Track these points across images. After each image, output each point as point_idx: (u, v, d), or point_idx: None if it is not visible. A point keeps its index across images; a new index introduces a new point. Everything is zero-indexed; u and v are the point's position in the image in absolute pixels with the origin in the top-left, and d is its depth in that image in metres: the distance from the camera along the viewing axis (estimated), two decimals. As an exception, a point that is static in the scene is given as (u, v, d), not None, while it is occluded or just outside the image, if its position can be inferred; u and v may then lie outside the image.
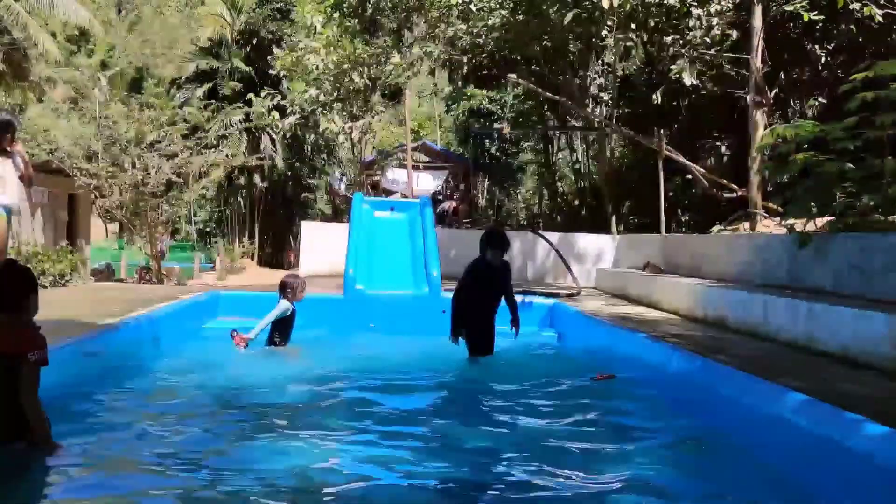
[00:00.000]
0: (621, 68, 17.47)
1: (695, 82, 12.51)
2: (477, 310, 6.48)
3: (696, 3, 12.12)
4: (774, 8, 11.66)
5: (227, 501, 3.02)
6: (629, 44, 13.40)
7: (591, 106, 18.77)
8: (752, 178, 11.49)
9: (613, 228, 15.92)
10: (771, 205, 11.29)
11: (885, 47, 12.34)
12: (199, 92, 27.00)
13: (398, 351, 6.75)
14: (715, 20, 12.07)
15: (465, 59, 15.73)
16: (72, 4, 20.78)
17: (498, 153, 29.77)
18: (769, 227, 10.36)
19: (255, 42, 27.89)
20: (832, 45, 14.13)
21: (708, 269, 9.20)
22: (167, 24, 37.46)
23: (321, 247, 13.61)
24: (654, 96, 14.51)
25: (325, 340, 7.14)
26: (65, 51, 28.80)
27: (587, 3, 12.52)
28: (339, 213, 27.19)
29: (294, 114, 21.09)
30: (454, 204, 24.69)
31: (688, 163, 14.45)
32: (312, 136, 26.06)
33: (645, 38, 13.76)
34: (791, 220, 7.63)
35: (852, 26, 12.62)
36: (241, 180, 27.29)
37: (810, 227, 7.21)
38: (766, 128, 11.31)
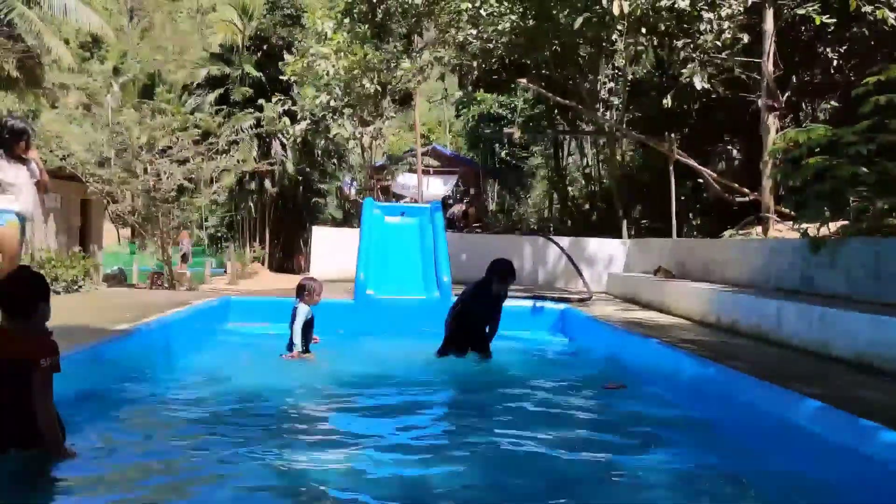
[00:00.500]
0: (632, 72, 17.44)
1: (706, 86, 12.45)
2: (469, 331, 6.70)
3: (706, 7, 12.07)
4: (786, 11, 11.60)
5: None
6: (639, 48, 13.38)
7: (601, 110, 18.73)
8: (765, 183, 11.43)
9: (624, 233, 15.87)
10: (783, 209, 11.22)
11: (898, 50, 12.27)
12: (211, 98, 27.12)
13: (408, 356, 6.75)
14: (726, 24, 12.01)
15: (475, 64, 15.75)
16: (84, 11, 20.97)
17: (508, 157, 29.77)
18: (782, 231, 10.30)
19: (265, 48, 28.03)
20: (844, 48, 14.05)
21: (720, 273, 9.16)
22: (179, 31, 37.71)
23: (332, 252, 13.64)
24: (664, 100, 14.46)
25: (335, 346, 7.14)
26: (78, 57, 29.02)
27: (597, 7, 12.50)
28: (349, 217, 27.23)
29: (305, 119, 21.15)
30: (463, 207, 24.71)
31: (699, 167, 14.39)
32: (323, 141, 26.10)
33: (655, 42, 13.75)
34: (804, 225, 7.58)
35: (864, 29, 12.55)
36: (252, 185, 27.39)
37: (823, 231, 7.17)
38: (778, 131, 11.26)
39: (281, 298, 9.25)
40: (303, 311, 6.52)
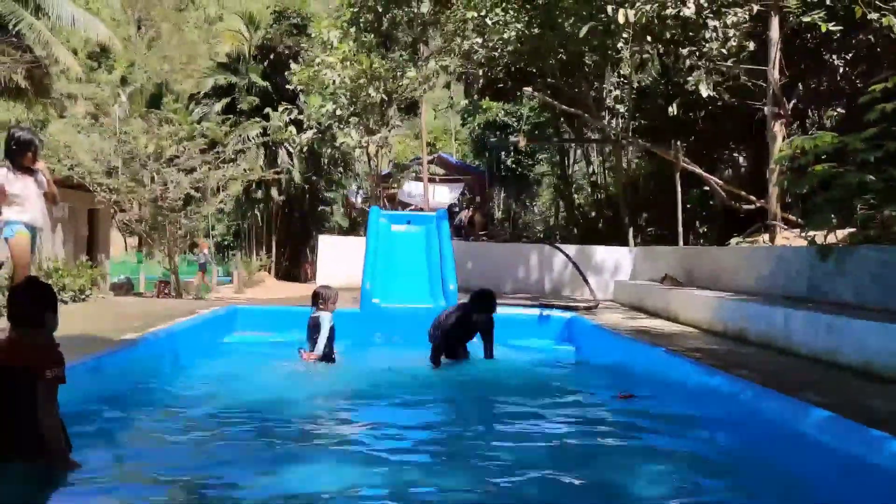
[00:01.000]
0: (637, 80, 17.45)
1: (711, 94, 12.45)
2: (452, 344, 6.95)
3: (712, 15, 12.07)
4: (791, 19, 11.60)
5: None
6: (645, 56, 13.38)
7: (607, 118, 18.74)
8: (771, 190, 11.40)
9: (631, 240, 15.85)
10: (790, 216, 11.19)
11: (904, 57, 12.24)
12: (218, 107, 27.26)
13: (415, 365, 6.74)
14: (731, 31, 12.01)
15: (480, 73, 15.79)
16: (93, 22, 21.13)
17: (514, 165, 29.79)
18: (789, 239, 10.27)
19: (272, 57, 28.16)
20: (850, 55, 14.03)
21: (727, 281, 9.13)
22: (186, 41, 37.90)
23: (338, 260, 13.66)
24: (670, 108, 14.48)
25: (341, 355, 7.13)
26: (86, 67, 29.23)
27: (603, 16, 12.51)
28: (355, 226, 27.30)
29: (311, 128, 21.22)
30: (469, 212, 24.72)
31: (705, 174, 14.37)
32: (329, 149, 26.17)
33: (661, 50, 13.75)
34: (811, 232, 7.56)
35: (870, 36, 12.53)
36: (259, 194, 27.47)
37: (831, 239, 7.14)
38: (784, 139, 11.23)
39: (286, 308, 9.29)
40: (328, 318, 6.58)
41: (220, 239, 34.26)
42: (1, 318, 5.38)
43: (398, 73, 16.26)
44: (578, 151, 25.62)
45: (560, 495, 3.41)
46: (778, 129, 11.45)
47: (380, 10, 16.20)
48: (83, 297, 9.40)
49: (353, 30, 16.43)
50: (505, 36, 14.05)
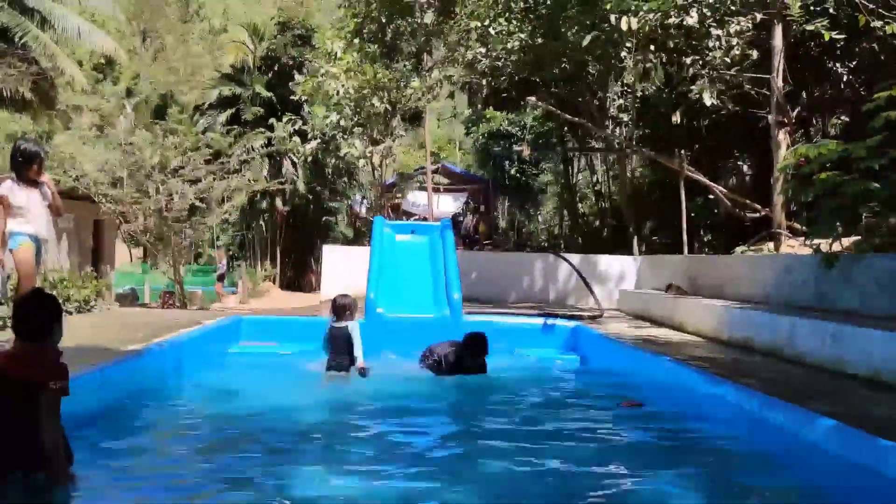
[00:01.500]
0: (641, 89, 17.46)
1: (715, 102, 12.44)
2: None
3: (715, 24, 12.08)
4: (795, 27, 11.60)
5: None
6: (648, 65, 13.37)
7: (610, 127, 18.74)
8: (776, 198, 11.38)
9: (635, 249, 15.82)
10: (795, 225, 11.15)
11: (908, 65, 12.22)
12: (222, 117, 27.33)
13: (419, 376, 6.73)
14: (735, 40, 12.01)
15: (484, 82, 15.79)
16: (98, 34, 21.25)
17: (518, 175, 29.79)
18: (794, 247, 10.24)
19: (276, 68, 28.23)
20: (854, 63, 14.02)
21: (732, 290, 9.10)
22: (191, 52, 38.04)
23: (342, 270, 13.64)
24: (674, 117, 14.44)
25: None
26: (91, 79, 29.34)
27: (606, 25, 12.53)
28: (360, 235, 27.29)
29: (315, 138, 21.27)
30: (473, 221, 24.74)
31: (709, 183, 14.35)
32: (333, 159, 26.21)
33: (664, 59, 13.74)
34: (816, 241, 7.53)
35: (874, 44, 12.53)
36: (263, 204, 27.50)
37: (836, 247, 7.11)
38: (788, 147, 11.21)
39: (291, 318, 9.29)
40: (356, 328, 6.64)
41: (224, 249, 34.24)
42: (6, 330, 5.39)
43: (402, 84, 16.30)
44: (582, 161, 25.62)
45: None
46: (782, 137, 11.44)
47: (383, 20, 16.26)
48: (88, 307, 9.42)
49: (356, 40, 16.48)
50: (508, 46, 14.08)
